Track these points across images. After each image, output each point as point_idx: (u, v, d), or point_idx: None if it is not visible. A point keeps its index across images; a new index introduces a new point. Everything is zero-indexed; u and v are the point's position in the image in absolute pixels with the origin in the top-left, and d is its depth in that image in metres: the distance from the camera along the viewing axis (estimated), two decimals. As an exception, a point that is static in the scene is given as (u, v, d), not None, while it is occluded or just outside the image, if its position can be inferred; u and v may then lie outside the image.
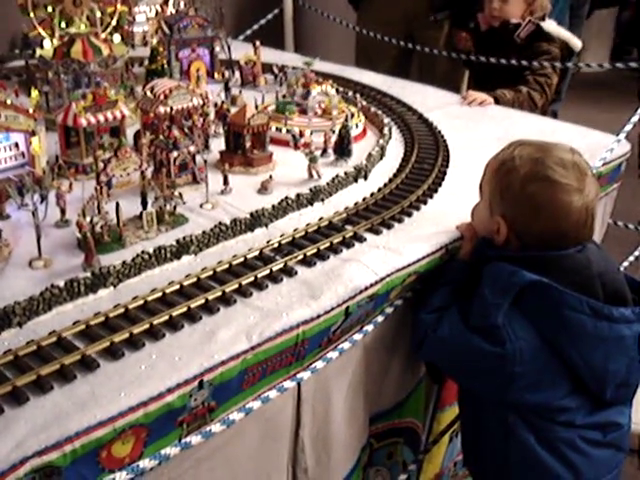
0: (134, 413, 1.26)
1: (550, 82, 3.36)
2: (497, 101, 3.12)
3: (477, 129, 2.76)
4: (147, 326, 1.44)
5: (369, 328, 1.72)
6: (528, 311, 1.64)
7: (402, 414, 2.08)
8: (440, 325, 1.73)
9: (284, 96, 2.62)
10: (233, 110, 2.45)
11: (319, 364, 1.59)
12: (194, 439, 1.35)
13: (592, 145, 2.46)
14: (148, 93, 2.19)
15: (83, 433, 1.20)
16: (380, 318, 1.75)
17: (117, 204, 1.75)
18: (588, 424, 1.71)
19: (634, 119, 2.63)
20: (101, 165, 1.86)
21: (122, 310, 1.49)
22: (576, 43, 3.50)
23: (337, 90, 2.64)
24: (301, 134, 2.28)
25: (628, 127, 2.59)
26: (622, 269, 2.18)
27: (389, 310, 1.78)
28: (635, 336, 1.65)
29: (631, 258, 2.89)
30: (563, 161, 1.68)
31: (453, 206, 2.05)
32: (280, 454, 1.68)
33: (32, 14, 2.57)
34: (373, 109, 2.78)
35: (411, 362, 1.99)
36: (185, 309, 1.50)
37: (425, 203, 2.06)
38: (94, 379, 1.31)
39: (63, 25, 2.52)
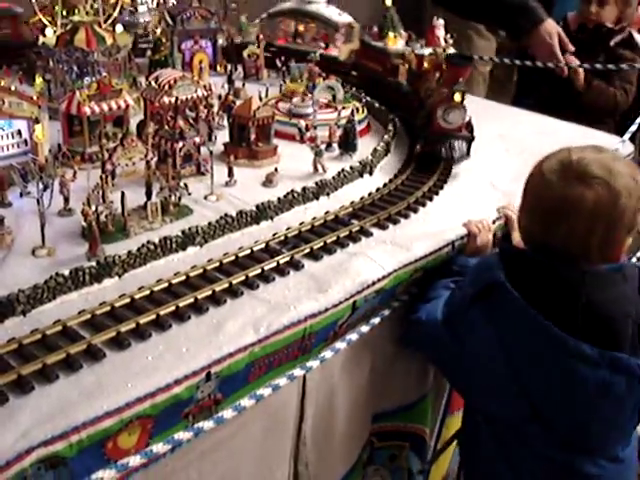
0: (141, 404, 1.24)
1: (631, 88, 3.41)
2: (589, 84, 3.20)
3: (480, 126, 2.74)
4: (153, 316, 1.42)
5: (376, 321, 1.70)
6: (491, 311, 1.51)
7: (409, 419, 2.05)
8: (418, 309, 1.70)
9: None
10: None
11: (327, 353, 1.57)
12: (205, 425, 1.34)
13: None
14: (152, 83, 2.16)
15: (90, 423, 1.18)
16: (387, 312, 1.73)
17: (122, 193, 1.73)
18: (551, 458, 1.52)
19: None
20: (107, 154, 1.83)
21: (128, 300, 1.47)
22: None
23: (342, 84, 2.62)
24: (307, 128, 2.26)
25: (633, 128, 2.58)
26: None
27: (396, 304, 1.76)
28: (599, 383, 1.41)
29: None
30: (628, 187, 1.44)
31: (458, 203, 2.04)
32: (283, 448, 1.67)
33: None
34: (377, 104, 2.76)
35: (418, 363, 1.96)
36: (192, 300, 1.48)
37: (431, 199, 2.05)
38: (100, 369, 1.29)
39: (65, 13, 2.49)
